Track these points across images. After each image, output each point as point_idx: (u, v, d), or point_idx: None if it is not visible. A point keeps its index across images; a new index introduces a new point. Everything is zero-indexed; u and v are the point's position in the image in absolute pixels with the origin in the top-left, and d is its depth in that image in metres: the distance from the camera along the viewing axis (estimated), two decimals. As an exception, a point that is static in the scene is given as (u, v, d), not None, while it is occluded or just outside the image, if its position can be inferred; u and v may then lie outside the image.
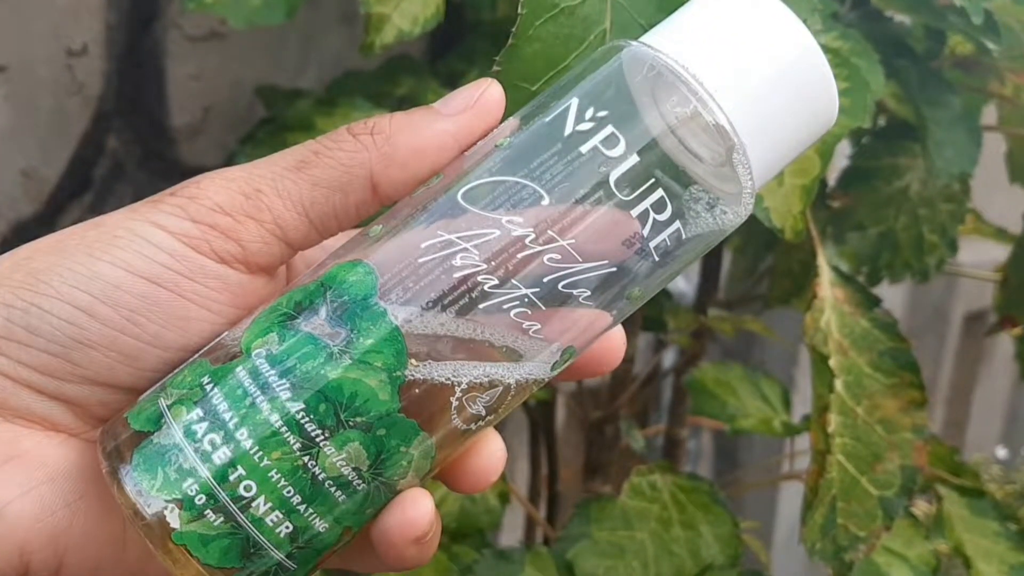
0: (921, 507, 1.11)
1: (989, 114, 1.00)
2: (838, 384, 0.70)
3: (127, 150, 0.97)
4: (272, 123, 0.89)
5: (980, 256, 1.30)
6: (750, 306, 1.18)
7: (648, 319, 0.95)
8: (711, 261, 0.99)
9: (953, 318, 2.26)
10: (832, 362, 0.70)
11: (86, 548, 0.38)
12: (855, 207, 0.91)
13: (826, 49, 0.69)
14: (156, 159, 0.99)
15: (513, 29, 0.47)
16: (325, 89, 0.97)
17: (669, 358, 1.27)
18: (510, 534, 1.37)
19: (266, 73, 1.01)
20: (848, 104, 0.67)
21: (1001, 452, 2.70)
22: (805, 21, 0.42)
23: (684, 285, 1.23)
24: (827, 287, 0.73)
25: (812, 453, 0.70)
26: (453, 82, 0.93)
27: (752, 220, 0.65)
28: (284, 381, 0.35)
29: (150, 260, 0.37)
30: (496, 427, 0.40)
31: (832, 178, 0.94)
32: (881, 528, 0.69)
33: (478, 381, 0.37)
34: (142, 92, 0.96)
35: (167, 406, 0.36)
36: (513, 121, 0.39)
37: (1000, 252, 1.03)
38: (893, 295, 1.86)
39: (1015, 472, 2.25)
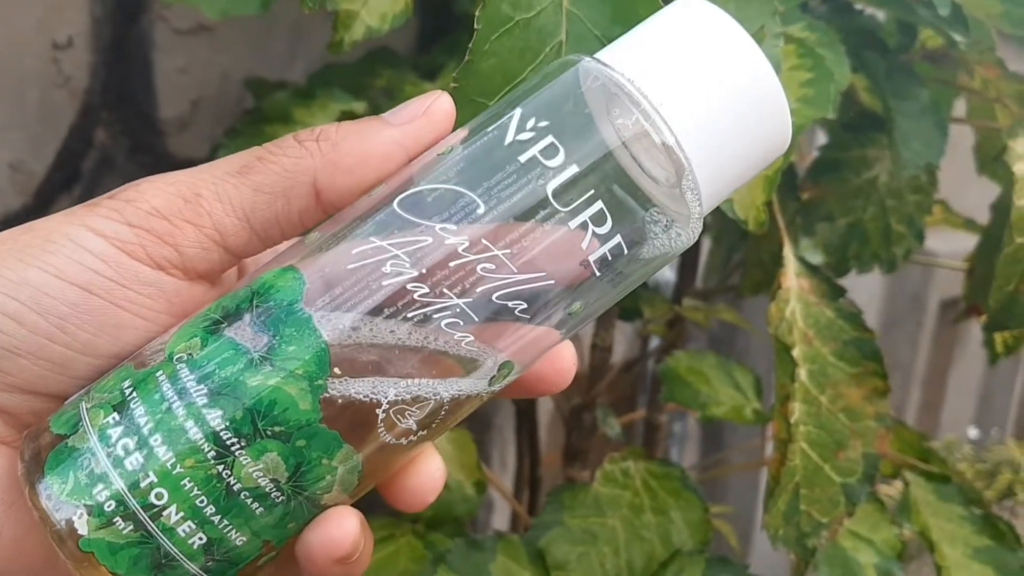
0: (891, 489, 1.12)
1: (961, 107, 1.01)
2: (802, 373, 0.71)
3: (115, 143, 0.98)
4: (252, 115, 0.89)
5: (956, 245, 1.31)
6: (727, 295, 1.19)
7: (625, 308, 0.96)
8: (689, 251, 1.00)
9: (929, 305, 2.28)
10: (796, 352, 0.71)
11: (17, 558, 0.37)
12: (824, 198, 0.92)
13: (792, 40, 0.70)
14: (145, 152, 1.00)
15: (470, 45, 0.47)
16: (305, 81, 0.97)
17: (657, 343, 1.29)
18: (502, 516, 1.38)
19: (254, 66, 1.02)
20: (812, 95, 0.67)
21: (973, 432, 2.74)
22: (763, 27, 0.42)
23: (669, 273, 1.24)
24: (792, 277, 0.74)
25: (775, 442, 0.71)
26: (435, 75, 0.94)
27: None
28: (202, 387, 0.34)
29: (82, 266, 0.36)
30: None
31: (803, 169, 0.96)
32: (843, 514, 0.70)
33: (406, 395, 0.35)
34: (129, 85, 0.97)
35: (87, 409, 0.35)
36: (462, 132, 0.38)
37: (974, 242, 1.04)
38: (872, 283, 1.88)
39: (985, 451, 2.28)
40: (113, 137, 0.98)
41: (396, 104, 0.40)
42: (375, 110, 0.86)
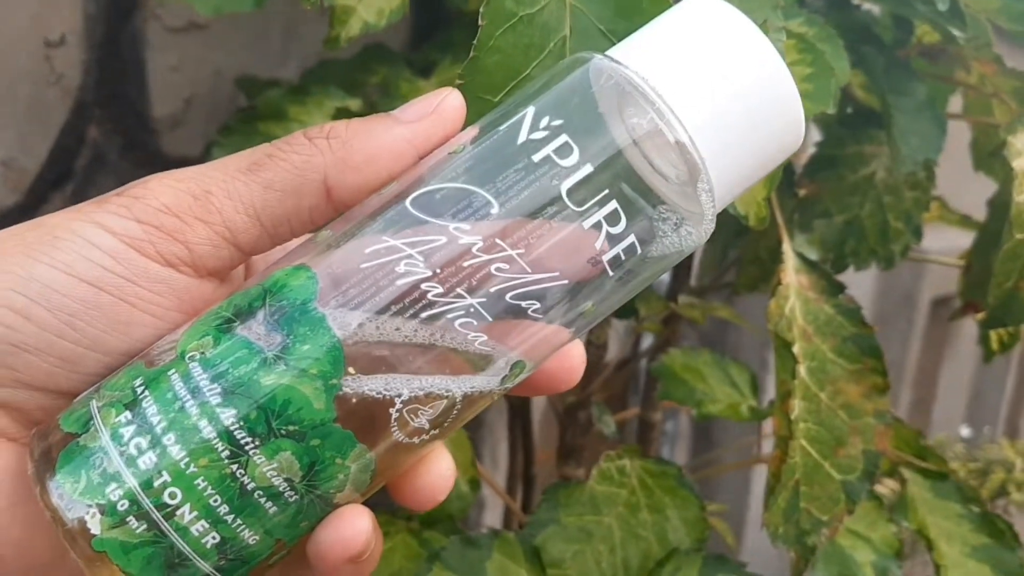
0: (888, 484, 1.12)
1: (957, 103, 1.01)
2: (802, 370, 0.71)
3: (108, 141, 0.97)
4: (246, 112, 0.89)
5: (947, 243, 1.31)
6: (722, 292, 1.19)
7: (621, 306, 0.96)
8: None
9: (921, 303, 2.29)
10: (796, 348, 0.71)
11: (24, 555, 0.37)
12: (821, 195, 0.92)
13: (791, 34, 0.70)
14: (138, 149, 0.99)
15: (474, 41, 0.47)
16: (299, 78, 0.97)
17: (650, 340, 1.28)
18: (492, 514, 1.38)
19: (247, 64, 1.02)
20: (812, 90, 0.67)
21: (964, 431, 2.76)
22: (766, 21, 0.41)
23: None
24: (792, 274, 0.74)
25: (775, 439, 0.71)
26: (429, 72, 0.93)
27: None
28: (215, 386, 0.34)
29: (91, 262, 0.36)
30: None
31: (799, 165, 0.95)
32: (843, 512, 0.70)
33: (420, 393, 0.35)
34: (122, 83, 0.97)
35: (98, 408, 0.35)
36: (473, 130, 0.38)
37: (967, 239, 1.04)
38: (864, 281, 1.88)
39: (977, 450, 2.29)
40: (106, 135, 0.97)
41: (391, 101, 0.39)
42: (370, 107, 0.85)
